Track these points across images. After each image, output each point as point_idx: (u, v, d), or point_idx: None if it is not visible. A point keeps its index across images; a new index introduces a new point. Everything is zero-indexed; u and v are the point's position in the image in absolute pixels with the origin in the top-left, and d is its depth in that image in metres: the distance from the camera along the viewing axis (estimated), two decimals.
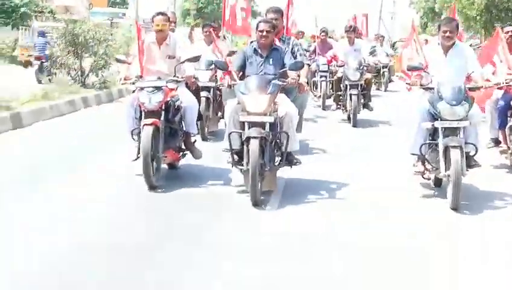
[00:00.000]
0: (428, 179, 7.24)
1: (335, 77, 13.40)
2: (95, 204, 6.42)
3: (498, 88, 8.26)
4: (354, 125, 12.16)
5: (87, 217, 5.97)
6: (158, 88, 7.06)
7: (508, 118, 8.34)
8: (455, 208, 6.43)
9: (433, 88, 6.85)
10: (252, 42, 7.45)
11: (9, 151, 9.26)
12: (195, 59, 7.40)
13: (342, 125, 12.64)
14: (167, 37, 7.54)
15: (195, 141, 7.80)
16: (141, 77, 7.28)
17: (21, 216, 5.93)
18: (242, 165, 6.54)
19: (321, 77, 14.86)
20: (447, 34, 6.93)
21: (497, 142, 8.63)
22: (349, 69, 12.34)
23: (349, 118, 12.56)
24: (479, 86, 7.05)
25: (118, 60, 7.57)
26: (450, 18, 7.59)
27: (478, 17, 25.97)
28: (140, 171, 6.90)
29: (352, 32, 13.03)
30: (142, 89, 7.10)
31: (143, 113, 7.04)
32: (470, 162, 6.77)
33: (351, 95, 12.28)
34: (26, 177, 7.39)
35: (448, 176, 6.47)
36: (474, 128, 6.81)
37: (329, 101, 14.37)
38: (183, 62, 7.34)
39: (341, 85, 12.78)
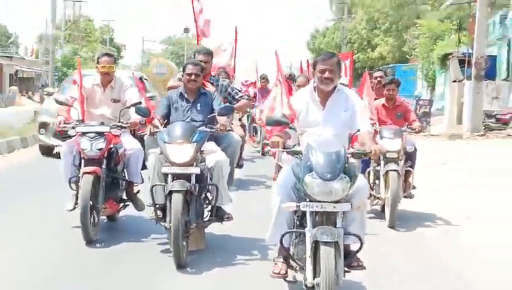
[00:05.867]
0: (294, 282, 5.09)
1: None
2: (29, 259, 5.95)
3: None
4: None
5: (19, 278, 5.49)
6: (100, 134, 6.57)
7: (371, 163, 7.91)
8: None
9: (300, 152, 4.81)
10: (177, 87, 6.80)
11: None
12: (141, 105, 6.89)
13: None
14: (112, 79, 7.07)
15: (139, 191, 7.28)
16: (82, 121, 6.78)
17: None
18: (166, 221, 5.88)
19: None
20: (326, 74, 4.99)
21: None
22: None
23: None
24: (366, 151, 4.90)
25: (58, 102, 6.98)
26: (329, 53, 5.27)
27: None
28: (77, 223, 6.37)
29: (291, 80, 12.65)
30: (83, 134, 6.59)
31: (83, 161, 6.53)
32: (350, 261, 4.78)
33: None
34: None
35: (317, 285, 4.41)
36: (358, 213, 4.76)
37: None
38: (129, 107, 6.88)
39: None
